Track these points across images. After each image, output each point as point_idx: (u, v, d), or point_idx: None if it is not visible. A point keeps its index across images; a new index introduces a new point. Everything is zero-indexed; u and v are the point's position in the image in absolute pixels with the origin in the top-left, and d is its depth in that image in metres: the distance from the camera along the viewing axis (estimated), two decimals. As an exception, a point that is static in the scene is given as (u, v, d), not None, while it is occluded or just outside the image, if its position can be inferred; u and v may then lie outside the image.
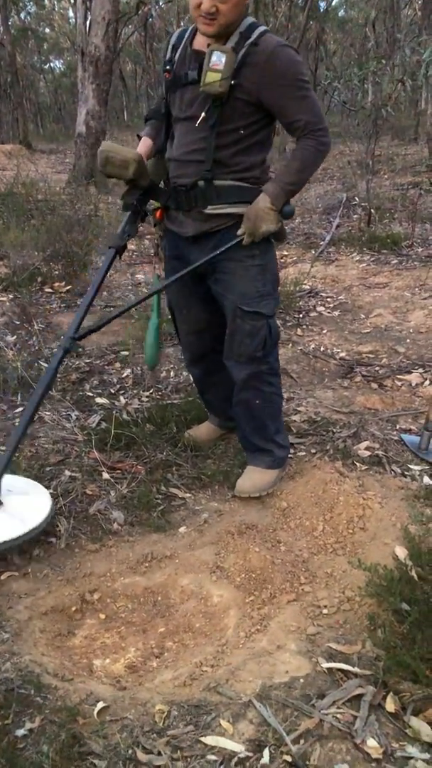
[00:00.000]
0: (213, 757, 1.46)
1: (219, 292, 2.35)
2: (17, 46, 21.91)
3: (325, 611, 1.94)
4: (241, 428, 2.52)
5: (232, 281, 2.29)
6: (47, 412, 3.01)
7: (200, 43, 2.13)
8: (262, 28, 2.08)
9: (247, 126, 2.14)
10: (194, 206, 2.23)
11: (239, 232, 2.21)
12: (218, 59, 2.02)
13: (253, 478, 2.43)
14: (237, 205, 2.20)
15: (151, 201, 2.37)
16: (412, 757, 1.47)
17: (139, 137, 2.39)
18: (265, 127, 2.19)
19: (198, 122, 2.12)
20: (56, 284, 4.99)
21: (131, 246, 6.62)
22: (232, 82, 2.03)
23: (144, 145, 2.34)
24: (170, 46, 2.25)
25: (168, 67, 2.22)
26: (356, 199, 8.28)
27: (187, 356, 2.71)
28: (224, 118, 2.11)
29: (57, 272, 5.12)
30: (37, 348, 3.80)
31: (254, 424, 2.46)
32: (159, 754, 1.47)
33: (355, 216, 7.65)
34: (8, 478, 2.20)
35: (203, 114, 2.11)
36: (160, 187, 2.35)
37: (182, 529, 2.30)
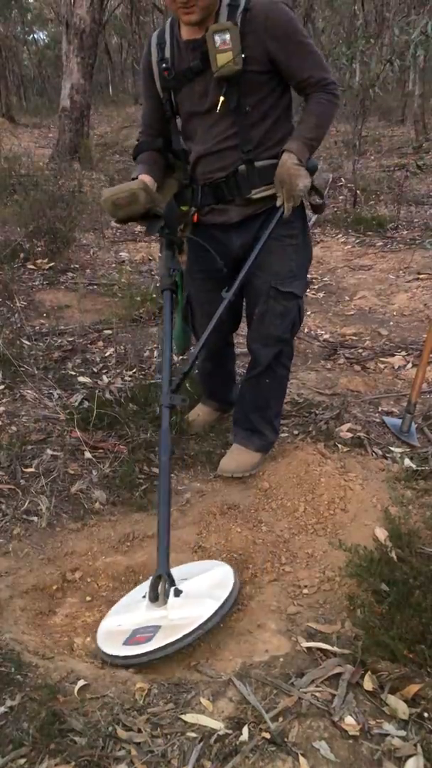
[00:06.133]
0: (193, 735, 1.47)
1: (251, 272, 2.24)
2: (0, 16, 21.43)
3: (305, 591, 1.95)
4: (242, 405, 2.50)
5: (267, 259, 2.23)
6: (29, 390, 2.99)
7: (189, 32, 2.07)
8: None
9: (267, 97, 2.09)
10: (237, 194, 2.17)
11: (278, 203, 2.15)
12: (222, 39, 1.95)
13: (239, 458, 2.43)
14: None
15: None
16: (388, 734, 1.49)
17: (134, 179, 2.24)
18: (284, 94, 2.15)
19: (219, 108, 2.06)
20: (39, 261, 4.93)
21: (114, 224, 6.57)
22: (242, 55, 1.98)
23: (147, 181, 2.20)
24: (154, 47, 2.16)
25: (165, 66, 2.13)
26: (342, 179, 8.26)
27: (203, 353, 2.58)
28: (244, 96, 2.06)
29: (40, 249, 5.07)
30: (19, 325, 3.76)
31: (258, 403, 2.45)
32: (139, 731, 1.48)
33: (341, 197, 7.63)
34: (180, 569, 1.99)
35: (222, 98, 2.05)
36: (182, 198, 2.28)
37: (164, 510, 2.30)
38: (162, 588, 1.81)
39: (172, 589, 1.81)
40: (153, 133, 2.32)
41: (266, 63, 2.04)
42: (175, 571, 1.89)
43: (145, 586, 1.90)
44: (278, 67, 2.06)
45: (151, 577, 1.85)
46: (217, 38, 1.96)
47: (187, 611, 1.76)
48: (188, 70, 2.09)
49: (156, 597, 1.80)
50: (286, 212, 2.15)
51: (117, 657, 1.69)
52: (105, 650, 1.73)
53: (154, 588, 1.81)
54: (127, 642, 1.72)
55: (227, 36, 1.96)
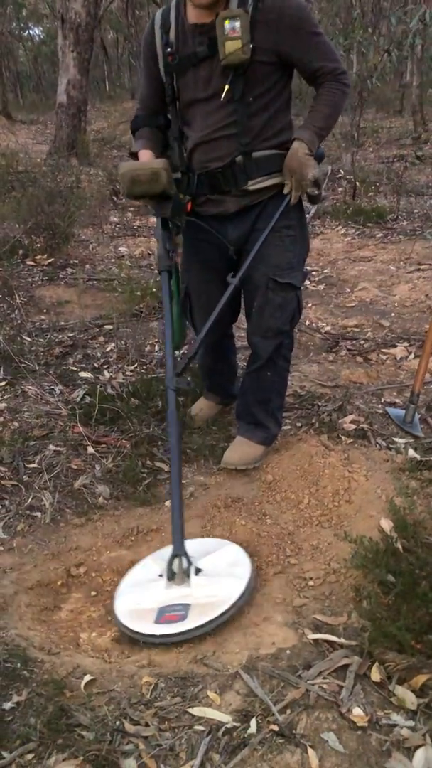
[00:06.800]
0: (200, 728, 1.46)
1: (250, 264, 2.22)
2: (-5, 12, 21.34)
3: (311, 583, 1.95)
4: (244, 399, 2.49)
5: (265, 252, 2.21)
6: (30, 386, 2.98)
7: (197, 15, 2.02)
8: None
9: (271, 88, 2.07)
10: (234, 185, 2.14)
11: (285, 190, 2.13)
12: (232, 26, 1.92)
13: (242, 450, 2.42)
14: (277, 175, 2.14)
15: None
16: (396, 725, 1.48)
17: (133, 154, 2.24)
18: (286, 86, 2.13)
19: (223, 96, 2.03)
20: (38, 257, 4.92)
21: (113, 219, 6.55)
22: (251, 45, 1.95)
23: (149, 157, 2.20)
24: (158, 29, 2.12)
25: (170, 50, 2.09)
26: (341, 171, 8.23)
27: (203, 347, 2.60)
28: (249, 86, 2.03)
29: (39, 245, 5.05)
30: (19, 322, 3.75)
31: (260, 396, 2.43)
32: (146, 725, 1.47)
33: (340, 189, 7.61)
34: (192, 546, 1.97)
35: (227, 87, 2.01)
36: (178, 185, 2.23)
37: (168, 503, 2.30)
38: (179, 567, 1.84)
39: (192, 567, 1.85)
40: (152, 112, 2.28)
41: (274, 54, 2.01)
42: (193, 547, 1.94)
43: (148, 565, 1.95)
44: (289, 59, 2.04)
45: (151, 556, 1.94)
46: (227, 25, 1.93)
47: (213, 590, 1.81)
48: (193, 55, 2.05)
49: (174, 575, 1.84)
50: (293, 201, 2.14)
51: (154, 636, 1.71)
52: (137, 629, 1.74)
53: (171, 567, 1.84)
54: (159, 620, 1.74)
55: (237, 24, 1.93)
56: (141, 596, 1.83)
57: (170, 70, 2.12)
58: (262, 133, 2.11)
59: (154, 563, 1.96)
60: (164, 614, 1.76)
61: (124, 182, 2.08)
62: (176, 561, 1.86)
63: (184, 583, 1.84)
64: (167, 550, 1.94)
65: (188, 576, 1.84)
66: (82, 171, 7.87)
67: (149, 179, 2.05)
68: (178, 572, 1.85)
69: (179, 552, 1.87)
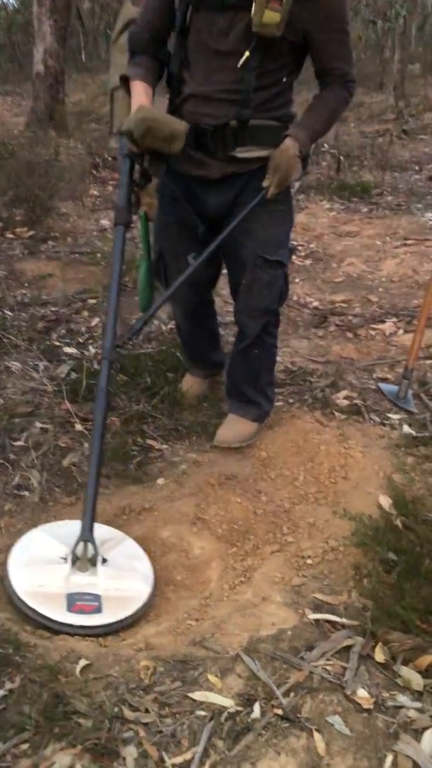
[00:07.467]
0: (202, 713, 1.41)
1: (236, 239, 2.12)
2: (-33, -21, 20.71)
3: (309, 561, 1.90)
4: (233, 377, 2.42)
5: (254, 227, 2.10)
6: (14, 362, 2.89)
7: None
8: None
9: (286, 65, 1.97)
10: (222, 148, 2.02)
11: (264, 183, 2.03)
12: None
13: (236, 428, 2.36)
14: (268, 147, 2.02)
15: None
16: (403, 707, 1.45)
17: (125, 79, 2.06)
18: (299, 66, 2.05)
19: (240, 63, 1.89)
20: (18, 230, 4.78)
21: (94, 192, 6.40)
22: None
23: (144, 94, 1.99)
24: None
25: None
26: (325, 145, 8.11)
27: (179, 310, 2.52)
28: (267, 59, 1.91)
29: (19, 218, 4.90)
30: (0, 296, 3.63)
31: (248, 374, 2.37)
32: (146, 711, 1.42)
33: (324, 163, 7.50)
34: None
35: (247, 53, 1.88)
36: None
37: (160, 481, 2.23)
38: (85, 553, 1.76)
39: (99, 556, 1.78)
40: (153, 38, 2.05)
41: (302, 35, 1.92)
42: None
43: (40, 540, 1.86)
44: (309, 45, 1.96)
45: (41, 529, 1.89)
46: None
47: (122, 583, 1.77)
48: (221, 0, 1.88)
49: (80, 562, 1.76)
50: (268, 196, 2.05)
51: (71, 626, 1.64)
52: (48, 615, 1.65)
53: (78, 554, 1.77)
54: (72, 609, 1.67)
55: None
56: (42, 578, 1.74)
57: (191, 0, 1.93)
58: (264, 104, 2.00)
59: (48, 538, 1.86)
60: (75, 602, 1.69)
61: (137, 126, 1.87)
62: (82, 546, 1.77)
63: (89, 570, 1.76)
64: (60, 526, 1.91)
65: (94, 564, 1.77)
66: (60, 144, 7.68)
67: (165, 138, 1.89)
68: (83, 558, 1.76)
69: (87, 538, 1.78)
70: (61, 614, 1.65)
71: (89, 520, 1.81)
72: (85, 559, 1.76)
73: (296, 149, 1.99)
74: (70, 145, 7.99)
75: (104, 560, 1.80)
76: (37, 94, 9.13)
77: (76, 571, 1.75)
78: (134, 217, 2.10)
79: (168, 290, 2.15)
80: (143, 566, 1.86)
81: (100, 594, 1.72)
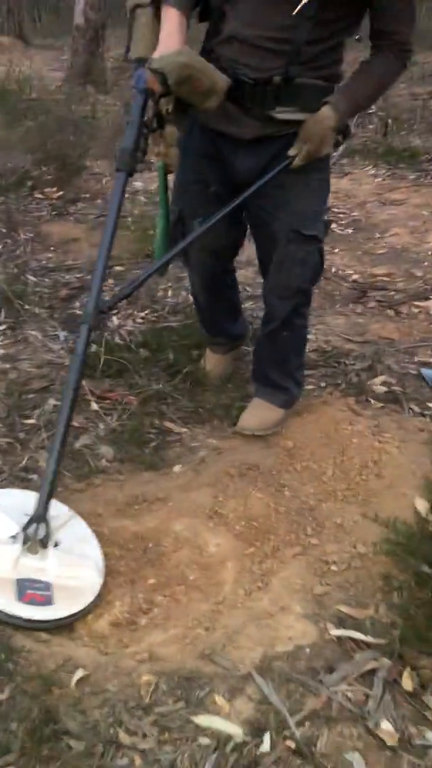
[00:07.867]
0: (206, 741, 1.28)
1: (267, 210, 1.95)
2: None
3: (333, 568, 1.74)
4: (259, 360, 2.25)
5: (288, 197, 1.90)
6: (33, 331, 2.75)
7: None
8: None
9: (343, 18, 1.76)
10: (260, 105, 1.80)
11: (291, 152, 1.83)
12: None
13: (261, 414, 2.18)
14: (310, 111, 1.80)
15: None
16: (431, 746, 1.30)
17: (156, 2, 1.77)
18: (357, 23, 1.83)
19: (297, 10, 1.66)
20: (47, 190, 4.61)
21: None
22: None
23: (180, 30, 1.73)
24: None
25: None
26: (372, 107, 7.74)
27: (197, 280, 2.30)
28: (326, 8, 1.69)
29: (49, 177, 4.73)
30: (24, 260, 3.49)
31: (277, 358, 2.19)
32: (144, 736, 1.29)
33: (371, 126, 7.15)
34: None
35: (305, 1, 1.65)
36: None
37: (177, 468, 2.08)
38: (36, 534, 1.63)
39: (51, 539, 1.65)
40: None
41: None
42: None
43: None
44: (372, 4, 1.76)
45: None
46: None
47: (72, 571, 1.62)
48: None
49: (31, 543, 1.62)
50: (294, 165, 1.84)
51: (21, 619, 1.50)
52: None
53: (27, 532, 1.63)
54: (22, 599, 1.53)
55: None
56: None
57: None
58: (313, 60, 1.77)
59: None
60: (26, 591, 1.55)
61: (176, 72, 1.64)
62: (34, 526, 1.64)
63: (39, 553, 1.62)
64: (8, 495, 1.81)
65: (45, 547, 1.63)
66: (97, 100, 7.46)
67: (204, 91, 1.68)
68: (33, 540, 1.62)
69: (41, 518, 1.64)
70: (10, 604, 1.52)
71: (46, 497, 1.67)
72: (36, 540, 1.63)
73: (333, 120, 1.79)
74: (108, 102, 7.77)
75: (56, 543, 1.67)
76: (76, 48, 8.90)
77: (27, 553, 1.62)
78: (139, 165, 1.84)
79: (162, 258, 1.95)
80: (94, 552, 1.71)
81: (50, 582, 1.59)
